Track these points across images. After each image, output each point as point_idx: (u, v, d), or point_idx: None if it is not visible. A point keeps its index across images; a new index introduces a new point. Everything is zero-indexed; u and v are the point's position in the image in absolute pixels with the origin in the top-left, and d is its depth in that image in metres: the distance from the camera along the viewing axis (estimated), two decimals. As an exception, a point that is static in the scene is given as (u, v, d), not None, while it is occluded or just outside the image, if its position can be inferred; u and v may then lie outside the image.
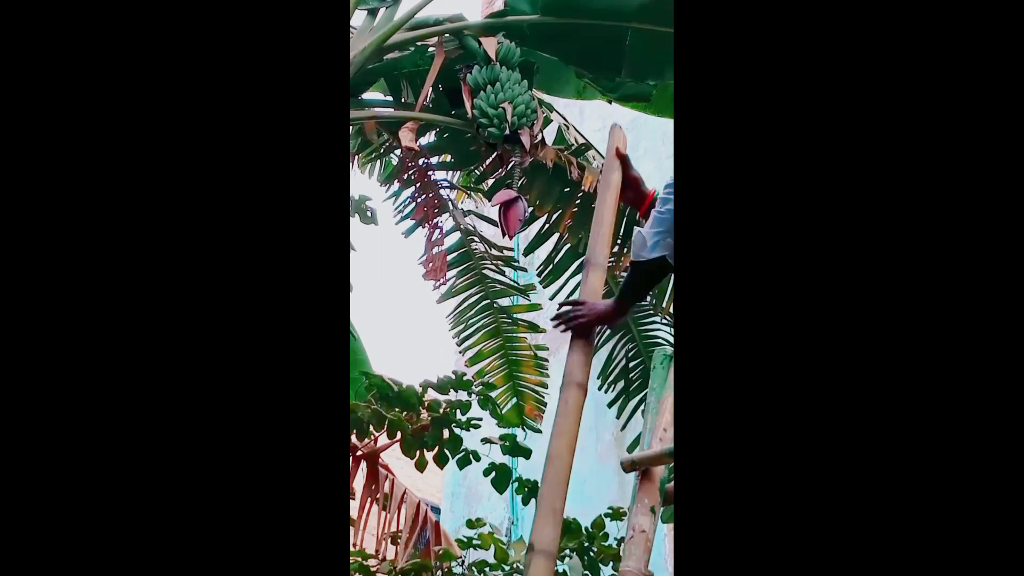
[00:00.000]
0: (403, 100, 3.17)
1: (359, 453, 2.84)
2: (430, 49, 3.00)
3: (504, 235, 2.85)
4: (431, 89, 2.96)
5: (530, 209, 3.17)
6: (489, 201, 3.29)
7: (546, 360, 3.69)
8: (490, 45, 2.79)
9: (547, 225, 3.34)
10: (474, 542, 2.72)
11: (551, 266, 3.42)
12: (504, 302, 3.67)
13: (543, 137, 2.94)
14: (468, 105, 2.79)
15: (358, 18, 2.96)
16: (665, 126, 4.31)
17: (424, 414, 2.64)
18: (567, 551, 2.42)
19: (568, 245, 3.34)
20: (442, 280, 3.41)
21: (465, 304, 3.68)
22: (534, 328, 3.64)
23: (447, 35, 2.94)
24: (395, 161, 3.43)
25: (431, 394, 2.72)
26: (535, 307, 3.62)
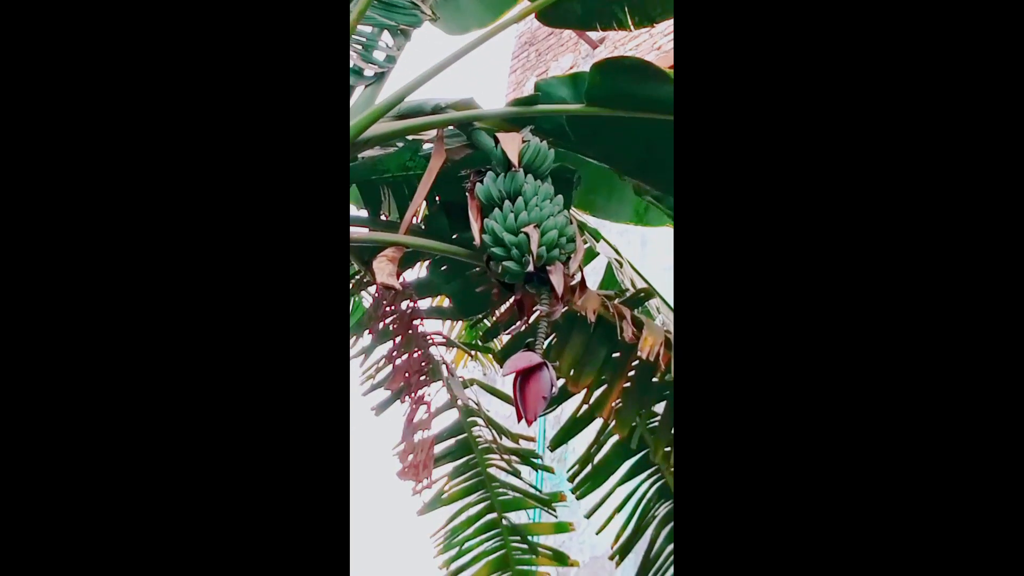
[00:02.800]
0: (382, 217, 3.16)
1: None
2: (425, 146, 3.03)
3: (521, 419, 2.62)
4: (424, 203, 2.96)
5: (560, 382, 3.03)
6: (501, 368, 3.08)
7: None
8: (511, 144, 2.68)
9: (584, 407, 3.20)
10: None
11: (590, 467, 3.35)
12: (518, 518, 3.69)
13: (583, 277, 2.79)
14: (476, 228, 2.67)
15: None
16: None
17: None
18: None
19: (615, 438, 3.23)
20: (426, 482, 3.33)
21: (460, 519, 3.67)
22: (562, 560, 3.61)
23: (450, 128, 2.90)
24: (367, 303, 3.49)
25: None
26: (565, 528, 3.59)
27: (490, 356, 3.79)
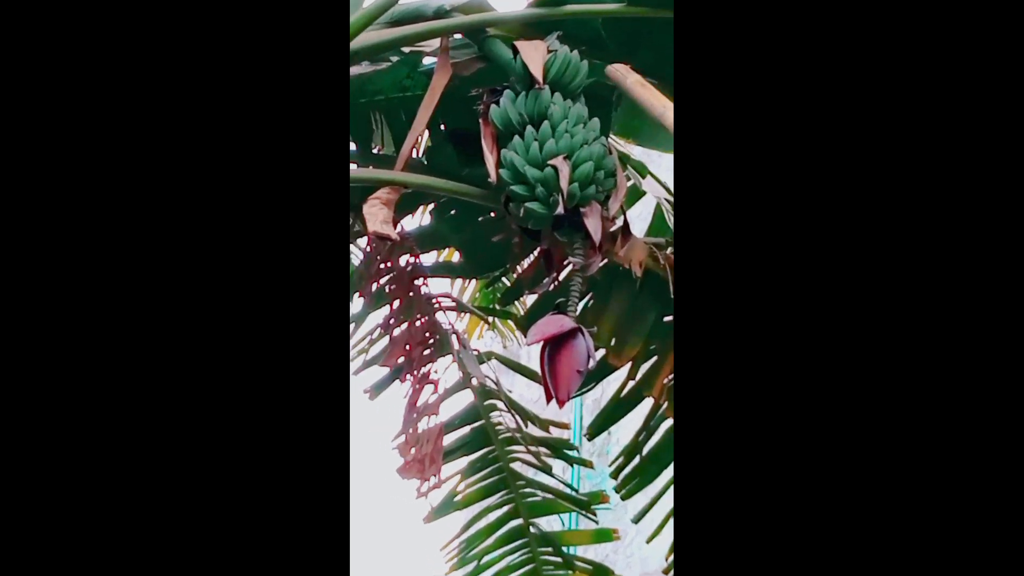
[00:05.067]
0: (374, 149, 3.18)
1: None
2: (426, 60, 3.04)
3: (551, 399, 2.62)
4: (426, 131, 3.00)
5: (599, 353, 3.08)
6: (525, 337, 3.09)
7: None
8: (534, 55, 2.67)
9: (630, 384, 3.27)
10: None
11: (637, 459, 3.41)
12: (550, 525, 3.76)
13: (626, 221, 2.80)
14: (491, 161, 2.67)
15: None
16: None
17: None
18: None
19: (668, 422, 3.28)
20: (435, 480, 3.40)
21: (478, 527, 3.81)
22: (605, 574, 3.65)
23: (457, 36, 2.91)
24: (357, 259, 3.48)
25: None
26: (608, 536, 3.71)
27: (511, 323, 3.81)
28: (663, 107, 2.27)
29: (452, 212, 3.32)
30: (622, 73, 2.48)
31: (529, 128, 2.58)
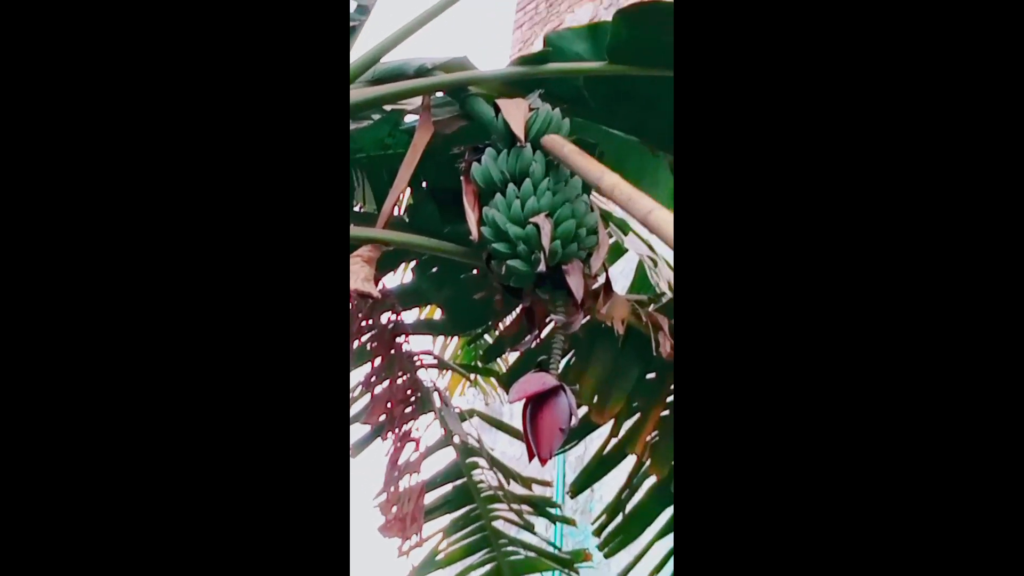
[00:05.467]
0: (356, 208, 3.22)
1: None
2: (408, 118, 3.06)
3: (533, 457, 2.63)
4: (408, 189, 3.01)
5: (581, 411, 3.07)
6: (507, 394, 3.08)
7: None
8: (516, 113, 2.67)
9: (613, 441, 3.26)
10: None
11: (620, 517, 3.37)
12: None
13: (608, 278, 2.80)
14: (473, 219, 2.66)
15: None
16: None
17: None
18: None
19: (651, 479, 3.25)
20: (416, 539, 3.37)
21: None
22: None
23: (439, 94, 2.93)
24: None
25: None
26: None
27: (493, 380, 3.79)
28: (600, 173, 2.28)
29: (434, 269, 3.32)
30: (559, 143, 2.50)
31: (511, 186, 2.58)
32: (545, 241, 2.46)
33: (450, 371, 3.78)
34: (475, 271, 3.07)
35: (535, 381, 2.52)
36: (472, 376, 4.13)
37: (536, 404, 2.49)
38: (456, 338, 3.85)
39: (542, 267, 2.47)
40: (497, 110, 2.67)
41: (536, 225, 2.48)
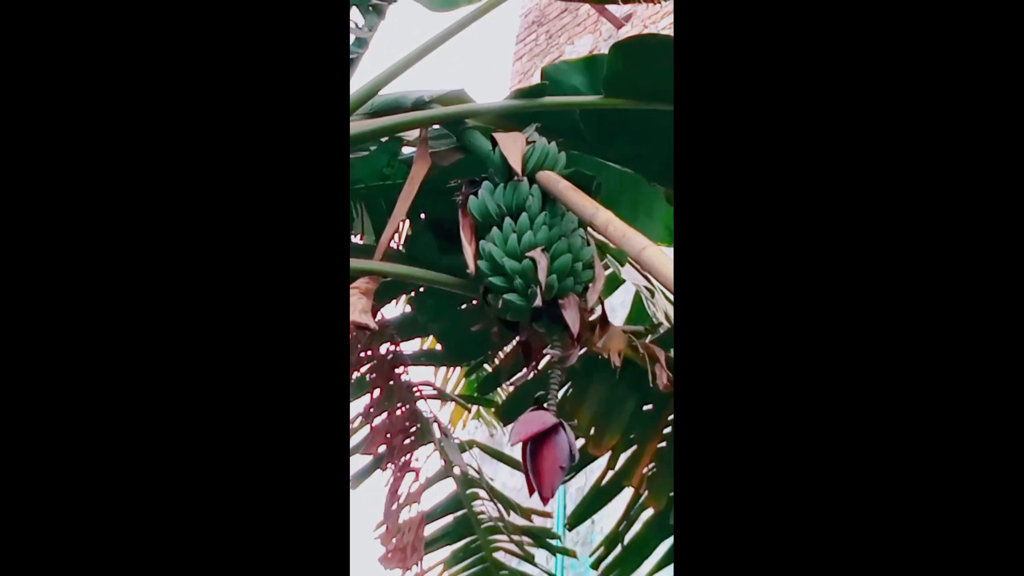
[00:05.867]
0: (354, 239, 3.21)
1: None
2: (406, 150, 3.06)
3: (534, 491, 2.59)
4: (406, 220, 3.04)
5: (579, 443, 3.05)
6: (506, 429, 3.18)
7: None
8: (513, 146, 2.68)
9: (611, 473, 3.25)
10: None
11: (619, 549, 3.36)
12: None
13: (604, 311, 2.79)
14: (470, 252, 2.67)
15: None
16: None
17: None
18: None
19: (649, 511, 3.23)
20: (416, 570, 3.40)
21: None
22: None
23: (436, 127, 2.93)
24: None
25: None
26: None
27: (493, 410, 3.78)
28: (594, 210, 2.30)
29: (431, 301, 3.32)
30: (553, 179, 2.52)
31: (507, 220, 2.58)
32: (541, 276, 2.46)
33: (451, 403, 3.76)
34: (476, 301, 3.05)
35: (535, 421, 2.49)
36: (471, 407, 4.13)
37: (536, 443, 2.47)
38: (458, 370, 3.85)
39: (538, 301, 2.47)
40: (494, 144, 2.68)
41: (532, 259, 2.49)
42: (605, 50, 2.82)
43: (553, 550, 3.76)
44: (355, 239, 3.19)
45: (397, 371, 3.40)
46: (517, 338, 2.80)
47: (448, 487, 3.56)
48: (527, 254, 2.50)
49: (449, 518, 3.59)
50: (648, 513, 3.22)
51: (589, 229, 2.75)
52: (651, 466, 3.10)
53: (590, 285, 2.61)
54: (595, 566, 3.34)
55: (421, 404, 3.45)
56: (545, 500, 2.48)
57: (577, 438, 2.96)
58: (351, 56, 3.05)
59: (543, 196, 2.61)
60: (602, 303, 2.73)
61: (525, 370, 3.01)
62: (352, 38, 3.07)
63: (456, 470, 3.50)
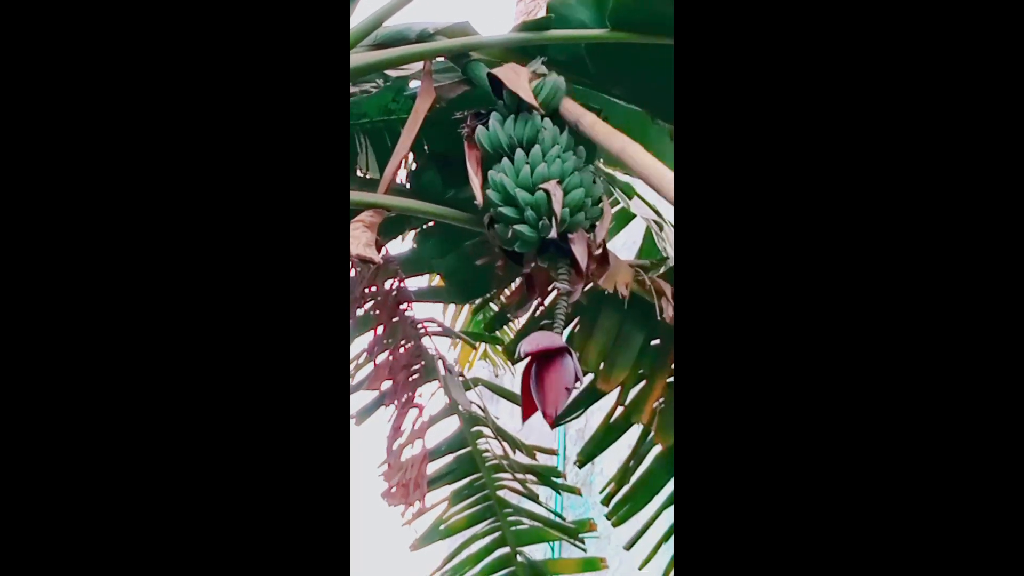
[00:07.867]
0: (359, 173, 3.20)
1: None
2: (412, 84, 3.03)
3: (528, 417, 2.60)
4: (410, 154, 2.99)
5: (587, 376, 3.07)
6: (511, 362, 3.08)
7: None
8: (518, 79, 2.67)
9: (619, 410, 3.25)
10: None
11: (627, 486, 3.39)
12: (537, 553, 3.78)
13: (606, 248, 2.78)
14: (477, 184, 2.67)
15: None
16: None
17: None
18: None
19: (658, 448, 3.26)
20: (419, 506, 3.39)
21: (464, 555, 3.78)
22: None
23: (440, 59, 2.91)
24: None
25: None
26: (596, 565, 3.67)
27: (498, 350, 3.78)
28: (622, 144, 2.30)
29: (435, 238, 3.32)
30: (578, 111, 2.53)
31: (519, 151, 2.58)
32: (557, 208, 2.46)
33: (457, 341, 3.76)
34: (479, 238, 3.03)
35: (547, 338, 2.50)
36: (478, 345, 4.12)
37: (541, 364, 2.47)
38: (466, 309, 3.83)
39: (553, 233, 2.47)
40: (493, 82, 2.68)
41: (546, 192, 2.48)
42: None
43: (558, 488, 3.79)
44: (360, 174, 3.19)
45: (402, 307, 3.39)
46: (524, 271, 2.81)
47: (452, 425, 3.56)
48: (541, 186, 2.50)
49: (453, 456, 3.61)
50: (657, 449, 3.24)
51: (600, 164, 2.75)
52: (660, 401, 3.10)
53: (598, 222, 2.62)
54: (606, 502, 3.36)
55: (426, 341, 3.44)
56: (549, 418, 2.46)
57: (585, 373, 2.99)
58: (354, -12, 3.03)
59: (555, 130, 2.60)
60: (608, 238, 2.73)
61: (532, 303, 3.04)
62: (355, -31, 3.05)
63: (460, 408, 3.50)
